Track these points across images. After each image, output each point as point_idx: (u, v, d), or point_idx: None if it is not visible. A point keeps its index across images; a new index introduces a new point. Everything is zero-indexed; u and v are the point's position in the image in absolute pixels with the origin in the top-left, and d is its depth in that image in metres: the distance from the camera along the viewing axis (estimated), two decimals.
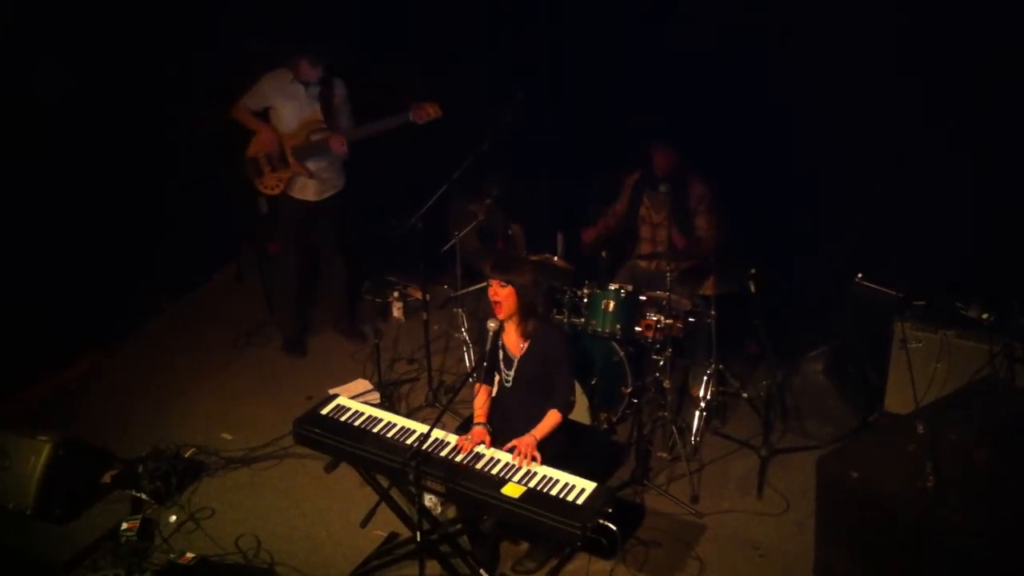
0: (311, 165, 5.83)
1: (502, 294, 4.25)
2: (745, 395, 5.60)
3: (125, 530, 4.67)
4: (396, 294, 6.78)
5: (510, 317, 4.33)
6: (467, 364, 6.03)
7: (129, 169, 6.22)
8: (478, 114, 5.80)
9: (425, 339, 5.74)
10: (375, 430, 4.29)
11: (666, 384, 5.19)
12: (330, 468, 5.11)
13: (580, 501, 3.86)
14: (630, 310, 5.28)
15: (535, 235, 6.25)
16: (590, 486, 3.92)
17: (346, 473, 4.97)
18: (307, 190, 5.92)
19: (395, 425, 4.32)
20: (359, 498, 4.90)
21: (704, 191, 5.63)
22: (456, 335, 6.22)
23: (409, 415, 5.18)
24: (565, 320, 5.40)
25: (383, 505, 4.54)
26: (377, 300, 6.62)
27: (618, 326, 5.24)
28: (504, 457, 4.12)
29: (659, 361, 5.21)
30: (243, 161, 5.90)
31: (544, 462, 4.10)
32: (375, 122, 5.70)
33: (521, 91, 5.42)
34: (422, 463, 3.88)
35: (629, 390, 5.30)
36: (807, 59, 5.57)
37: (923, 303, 5.13)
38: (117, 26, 6.01)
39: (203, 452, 5.29)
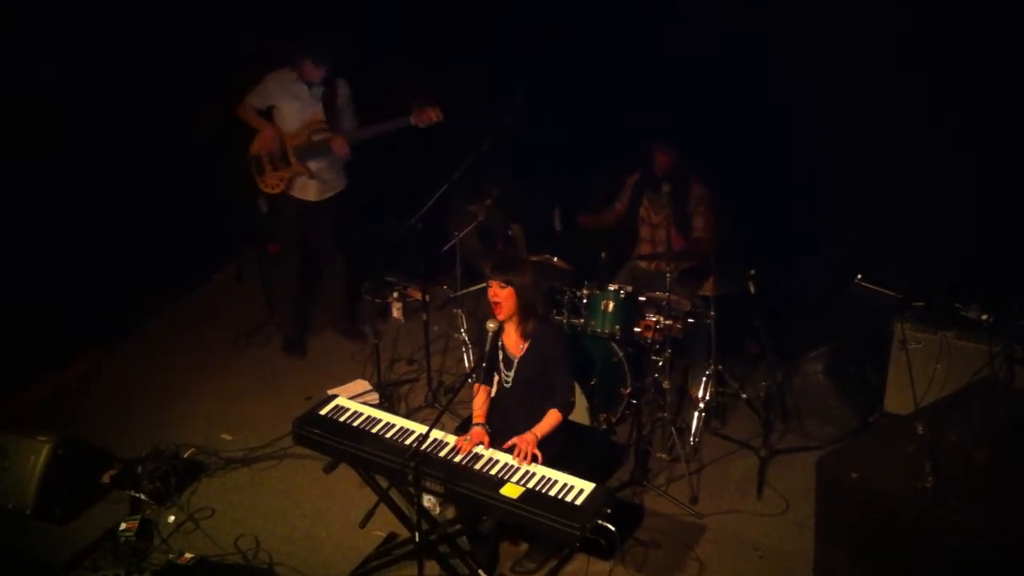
0: (312, 165, 5.84)
1: (502, 295, 4.25)
2: (745, 396, 5.60)
3: (124, 530, 4.66)
4: (396, 295, 6.78)
5: (510, 318, 4.33)
6: (466, 365, 6.03)
7: (129, 169, 6.22)
8: (478, 114, 5.80)
9: (425, 340, 5.74)
10: (374, 431, 4.29)
11: (665, 385, 5.19)
12: (329, 469, 5.14)
13: (579, 502, 3.85)
14: (629, 311, 5.28)
15: (535, 235, 6.25)
16: (589, 487, 3.92)
17: (345, 474, 4.99)
18: (308, 190, 5.92)
19: (394, 426, 4.32)
20: (358, 498, 4.90)
21: (704, 192, 5.63)
22: (456, 336, 6.22)
23: (408, 416, 5.17)
24: (564, 321, 5.40)
25: (382, 505, 4.54)
26: (377, 301, 6.62)
27: (617, 327, 5.24)
28: (503, 458, 4.12)
29: (658, 362, 5.21)
30: (245, 159, 5.91)
31: (544, 462, 4.10)
32: (376, 124, 5.71)
33: (521, 91, 5.42)
34: (421, 464, 3.88)
35: (628, 391, 5.30)
36: (807, 59, 5.57)
37: (923, 304, 5.13)
38: (117, 26, 6.01)
39: (203, 452, 5.30)
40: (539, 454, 4.12)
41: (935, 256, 5.36)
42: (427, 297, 5.84)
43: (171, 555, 4.54)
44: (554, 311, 5.44)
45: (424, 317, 5.72)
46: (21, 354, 5.61)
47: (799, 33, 5.63)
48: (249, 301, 6.90)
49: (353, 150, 5.75)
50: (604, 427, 5.31)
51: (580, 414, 4.91)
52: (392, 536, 4.68)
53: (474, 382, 4.57)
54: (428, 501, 4.70)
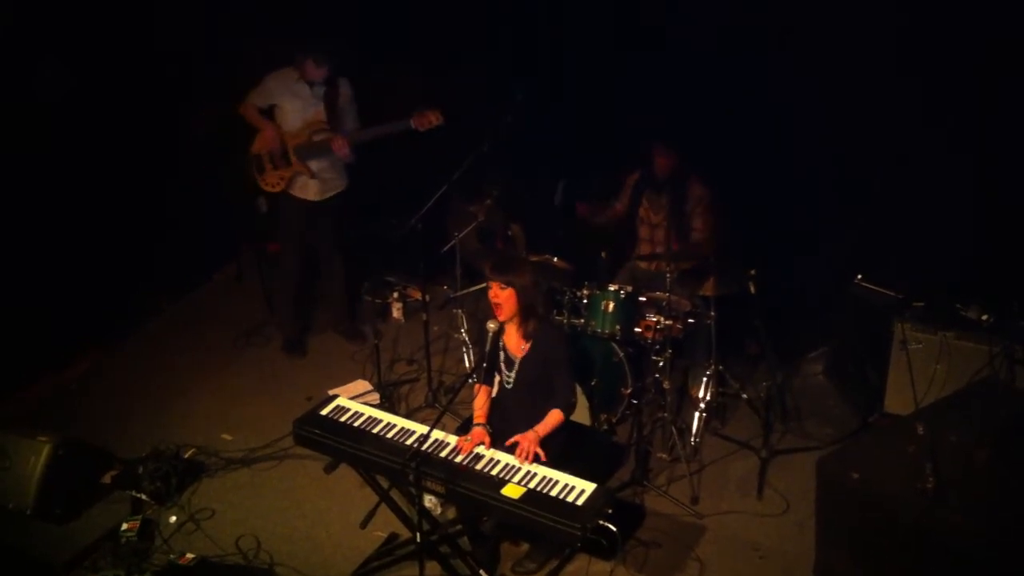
0: (313, 165, 5.84)
1: (502, 296, 4.25)
2: (745, 396, 5.60)
3: (125, 531, 4.67)
4: (396, 295, 6.78)
5: (511, 319, 4.33)
6: (467, 365, 6.03)
7: (129, 169, 6.22)
8: (478, 114, 5.80)
9: (425, 340, 5.74)
10: (375, 431, 4.29)
11: (666, 385, 5.19)
12: (330, 469, 5.14)
13: (580, 502, 3.85)
14: (630, 311, 5.28)
15: (535, 235, 6.25)
16: (590, 487, 3.92)
17: (346, 474, 4.99)
18: (308, 189, 5.92)
19: (395, 426, 4.32)
20: (359, 499, 4.90)
21: (703, 192, 5.63)
22: (456, 336, 6.22)
23: (409, 416, 5.17)
24: (565, 321, 5.40)
25: (383, 506, 4.54)
26: (377, 301, 6.62)
27: (618, 327, 5.24)
28: (504, 458, 4.12)
29: (659, 362, 5.21)
30: (245, 158, 5.91)
31: (545, 462, 4.10)
32: (378, 126, 5.71)
33: (521, 91, 5.41)
34: (422, 464, 3.88)
35: (629, 391, 5.30)
36: (807, 59, 5.57)
37: (923, 304, 5.13)
38: (117, 26, 6.01)
39: (203, 452, 5.29)
40: (541, 453, 4.12)
41: (935, 256, 5.36)
42: (427, 297, 5.84)
43: (172, 555, 4.54)
44: (554, 311, 5.44)
45: (424, 317, 5.72)
46: (21, 354, 5.61)
47: (799, 33, 5.63)
48: (249, 301, 6.89)
49: (354, 151, 5.75)
50: (605, 427, 5.31)
51: (581, 414, 4.91)
52: (393, 536, 4.68)
53: (474, 382, 4.57)
54: (429, 501, 4.70)
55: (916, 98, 5.41)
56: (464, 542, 4.51)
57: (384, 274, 6.88)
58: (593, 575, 4.43)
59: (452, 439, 4.22)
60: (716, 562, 4.54)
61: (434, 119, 5.47)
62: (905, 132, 5.50)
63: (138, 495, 4.92)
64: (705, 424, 5.40)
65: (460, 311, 6.13)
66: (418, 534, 3.86)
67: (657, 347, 5.22)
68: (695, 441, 5.31)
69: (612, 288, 5.28)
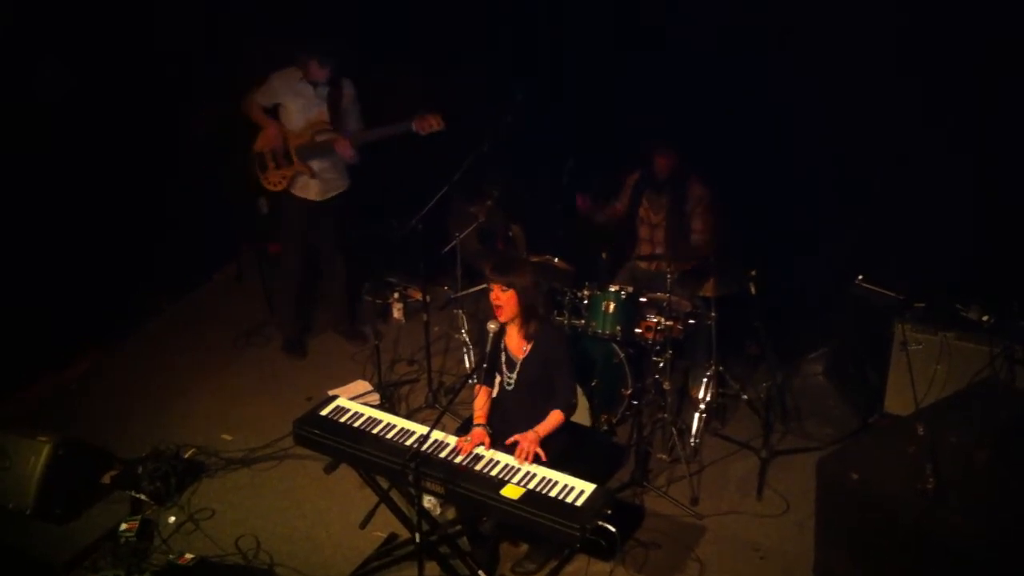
0: (315, 165, 5.84)
1: (503, 298, 4.24)
2: (745, 396, 5.60)
3: (124, 531, 4.67)
4: (396, 295, 6.78)
5: (512, 320, 4.33)
6: (467, 365, 6.03)
7: (129, 169, 6.22)
8: (478, 114, 5.80)
9: (425, 340, 5.74)
10: (375, 431, 4.29)
11: (666, 386, 5.19)
12: (330, 469, 5.14)
13: (579, 503, 3.85)
14: (630, 312, 5.28)
15: (536, 236, 6.25)
16: (589, 487, 3.92)
17: (346, 474, 4.99)
18: (309, 189, 5.92)
19: (395, 426, 4.32)
20: (359, 499, 4.90)
21: (703, 192, 5.62)
22: (456, 336, 6.22)
23: (409, 416, 5.18)
24: (565, 321, 5.40)
25: (383, 506, 4.54)
26: (377, 301, 6.61)
27: (618, 328, 5.24)
28: (504, 458, 4.12)
29: (659, 363, 5.21)
30: (247, 157, 5.91)
31: (546, 462, 4.10)
32: (381, 127, 5.71)
33: (521, 91, 5.42)
34: (421, 464, 3.88)
35: (629, 392, 5.30)
36: (807, 59, 5.57)
37: (923, 305, 5.13)
38: (117, 26, 6.01)
39: (203, 453, 5.29)
40: (541, 453, 4.12)
41: (935, 256, 5.36)
42: (427, 298, 5.83)
43: (171, 555, 4.54)
44: (555, 312, 5.44)
45: (425, 318, 5.72)
46: (21, 354, 5.61)
47: (799, 33, 5.63)
48: (249, 301, 6.89)
49: (358, 152, 5.75)
50: (605, 428, 5.31)
51: (581, 415, 4.90)
52: (392, 537, 4.68)
53: (475, 383, 4.57)
54: (428, 502, 4.70)
55: (916, 98, 5.41)
56: (463, 542, 4.51)
57: (385, 274, 6.87)
58: (592, 575, 4.43)
59: (452, 440, 4.22)
60: (716, 562, 4.54)
61: (435, 123, 5.47)
62: (905, 132, 5.49)
63: (138, 495, 4.92)
64: (705, 425, 5.40)
65: (460, 312, 6.12)
66: (417, 534, 3.86)
67: (657, 348, 5.21)
68: (695, 442, 5.31)
69: (612, 289, 5.28)
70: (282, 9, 6.57)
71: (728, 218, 5.74)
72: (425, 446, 4.02)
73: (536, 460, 4.10)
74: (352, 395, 5.61)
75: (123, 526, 4.69)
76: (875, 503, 3.96)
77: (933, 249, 5.42)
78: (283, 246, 6.29)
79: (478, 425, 4.33)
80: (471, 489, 3.96)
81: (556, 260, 5.78)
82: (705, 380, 5.45)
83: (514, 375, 4.38)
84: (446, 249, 5.81)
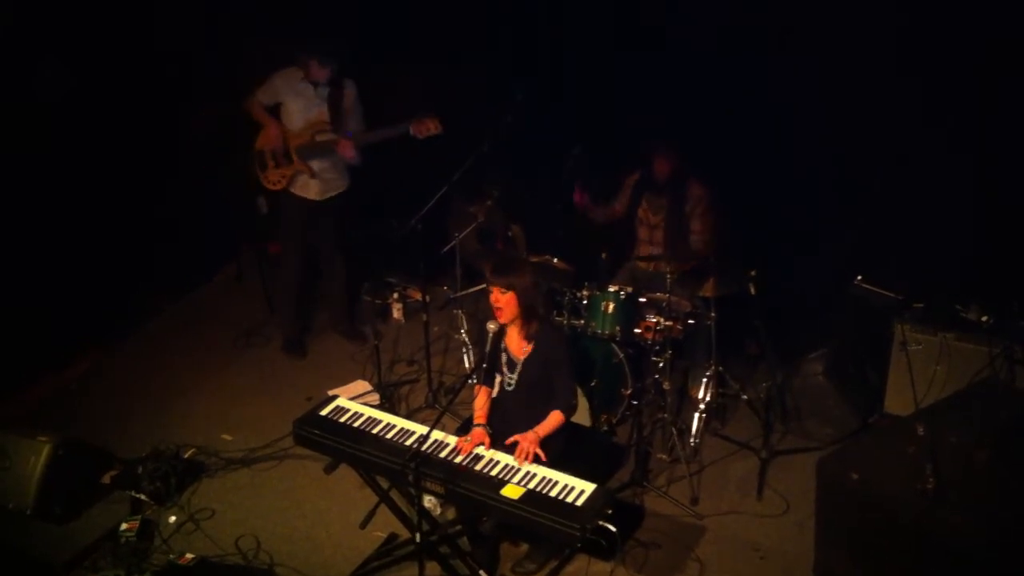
0: (315, 164, 5.84)
1: (503, 300, 4.24)
2: (745, 396, 5.60)
3: (125, 531, 4.67)
4: (396, 295, 6.77)
5: (512, 321, 4.33)
6: (467, 365, 6.03)
7: (129, 169, 6.22)
8: (478, 114, 5.80)
9: (425, 340, 5.74)
10: (375, 431, 4.29)
11: (666, 386, 5.19)
12: (330, 469, 5.14)
13: (580, 502, 3.85)
14: (630, 312, 5.28)
15: (535, 236, 6.25)
16: (590, 487, 3.92)
17: (346, 474, 4.99)
18: (309, 189, 5.92)
19: (394, 426, 4.32)
20: (359, 499, 4.90)
21: (703, 192, 5.62)
22: (456, 336, 6.22)
23: (409, 416, 5.18)
24: (565, 322, 5.40)
25: (383, 506, 4.54)
26: (377, 301, 6.62)
27: (618, 328, 5.24)
28: (504, 458, 4.12)
29: (659, 363, 5.21)
30: (248, 156, 5.91)
31: (546, 463, 4.10)
32: (381, 129, 5.71)
33: (521, 91, 5.42)
34: (421, 464, 3.88)
35: (629, 392, 5.30)
36: (807, 59, 5.57)
37: (923, 305, 5.13)
38: (117, 26, 6.01)
39: (203, 453, 5.29)
40: (541, 453, 4.12)
41: (935, 256, 5.36)
42: (427, 298, 5.83)
43: (172, 555, 4.54)
44: (554, 312, 5.44)
45: (424, 318, 5.72)
46: (21, 354, 5.61)
47: (799, 33, 5.63)
48: (249, 301, 6.89)
49: (360, 153, 5.76)
50: (605, 428, 5.31)
51: (581, 415, 4.90)
52: (392, 537, 4.68)
53: (475, 383, 4.57)
54: (429, 502, 4.70)
55: (916, 98, 5.41)
56: (464, 542, 4.51)
57: (384, 274, 6.87)
58: (593, 575, 4.43)
59: (452, 440, 4.22)
60: (716, 562, 4.54)
61: (432, 127, 5.48)
62: (905, 132, 5.49)
63: (138, 495, 4.92)
64: (705, 425, 5.40)
65: (460, 312, 6.13)
66: (418, 534, 3.86)
67: (657, 348, 5.21)
68: (695, 442, 5.31)
69: (612, 289, 5.28)
70: (282, 9, 6.58)
71: (728, 218, 5.74)
72: (425, 446, 4.02)
73: (536, 460, 4.10)
74: (352, 395, 5.61)
75: (123, 526, 4.70)
76: (875, 503, 3.96)
77: (933, 249, 5.42)
78: (283, 246, 6.29)
79: (478, 425, 4.33)
80: (471, 489, 3.96)
81: (556, 260, 5.77)
82: (705, 380, 5.45)
83: (515, 376, 4.38)
84: (446, 249, 5.81)
